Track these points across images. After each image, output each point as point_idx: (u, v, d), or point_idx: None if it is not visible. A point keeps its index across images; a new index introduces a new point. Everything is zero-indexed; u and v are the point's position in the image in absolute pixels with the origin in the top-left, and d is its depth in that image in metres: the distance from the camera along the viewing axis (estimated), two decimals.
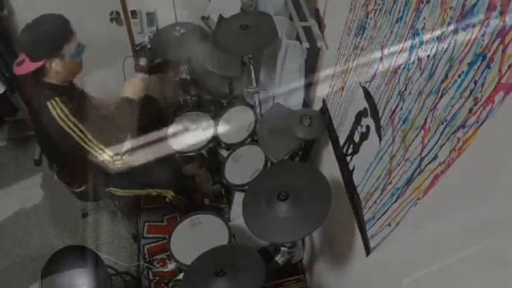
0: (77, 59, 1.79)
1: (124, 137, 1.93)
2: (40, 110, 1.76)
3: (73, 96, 1.88)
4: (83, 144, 1.78)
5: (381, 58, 1.19)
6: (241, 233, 1.95)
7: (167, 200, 2.28)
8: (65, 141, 1.78)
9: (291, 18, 1.93)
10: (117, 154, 1.86)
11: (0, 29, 2.50)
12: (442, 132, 0.89)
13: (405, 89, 1.05)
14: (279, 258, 1.75)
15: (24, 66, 1.74)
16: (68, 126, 1.74)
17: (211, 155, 2.37)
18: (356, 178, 1.45)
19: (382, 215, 1.23)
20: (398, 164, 1.10)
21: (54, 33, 1.72)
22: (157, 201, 2.39)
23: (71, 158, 1.96)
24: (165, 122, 2.37)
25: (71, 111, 1.75)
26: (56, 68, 1.74)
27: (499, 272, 0.79)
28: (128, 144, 1.92)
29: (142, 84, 2.05)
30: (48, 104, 1.73)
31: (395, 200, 1.14)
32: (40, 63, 1.72)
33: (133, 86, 2.03)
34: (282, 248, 1.74)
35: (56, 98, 1.74)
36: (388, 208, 1.19)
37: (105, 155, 1.83)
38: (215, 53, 2.14)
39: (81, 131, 1.76)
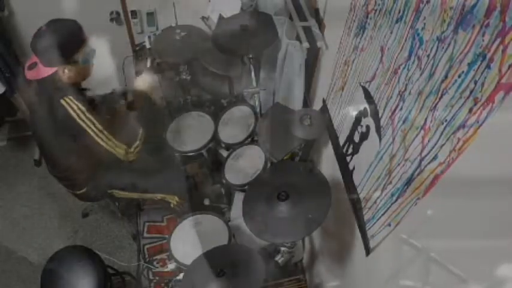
0: (89, 63, 1.82)
1: (136, 131, 1.96)
2: (54, 109, 1.77)
3: (82, 96, 1.90)
4: (98, 139, 1.80)
5: (381, 58, 1.19)
6: (241, 233, 1.95)
7: (171, 205, 2.28)
8: (82, 137, 1.79)
9: (291, 18, 1.93)
10: (130, 147, 1.90)
11: (0, 29, 2.50)
12: (442, 132, 0.89)
13: (405, 89, 1.05)
14: (279, 258, 1.75)
15: (36, 71, 1.76)
16: (85, 123, 1.76)
17: (211, 155, 2.37)
18: (356, 178, 1.45)
19: (382, 215, 1.23)
20: (398, 164, 1.10)
21: (69, 41, 1.73)
22: (158, 202, 2.39)
23: (76, 158, 1.97)
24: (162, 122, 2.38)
25: (87, 108, 1.77)
26: (68, 74, 1.77)
27: (500, 271, 0.79)
28: (140, 138, 1.96)
29: (152, 79, 2.14)
30: (63, 102, 1.75)
31: (395, 200, 1.14)
32: (53, 70, 1.74)
33: (145, 81, 2.11)
34: (282, 248, 1.74)
35: (70, 97, 1.76)
36: (388, 208, 1.19)
37: (119, 150, 1.87)
38: (215, 53, 2.14)
39: (97, 127, 1.79)
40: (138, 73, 2.65)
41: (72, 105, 1.75)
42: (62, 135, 1.84)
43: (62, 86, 1.79)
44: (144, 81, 2.10)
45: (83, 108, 1.75)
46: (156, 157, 2.22)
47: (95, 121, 1.78)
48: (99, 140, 1.80)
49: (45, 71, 1.75)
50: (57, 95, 1.76)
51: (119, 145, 1.86)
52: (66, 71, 1.75)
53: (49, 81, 1.77)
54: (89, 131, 1.77)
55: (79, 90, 1.86)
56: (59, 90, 1.78)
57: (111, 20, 2.66)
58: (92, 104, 1.90)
